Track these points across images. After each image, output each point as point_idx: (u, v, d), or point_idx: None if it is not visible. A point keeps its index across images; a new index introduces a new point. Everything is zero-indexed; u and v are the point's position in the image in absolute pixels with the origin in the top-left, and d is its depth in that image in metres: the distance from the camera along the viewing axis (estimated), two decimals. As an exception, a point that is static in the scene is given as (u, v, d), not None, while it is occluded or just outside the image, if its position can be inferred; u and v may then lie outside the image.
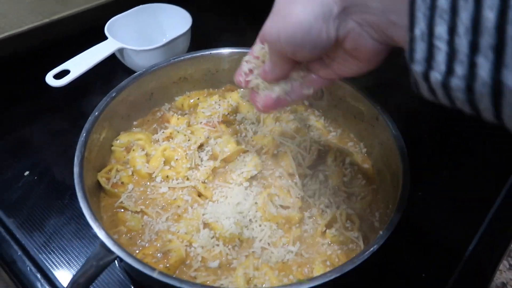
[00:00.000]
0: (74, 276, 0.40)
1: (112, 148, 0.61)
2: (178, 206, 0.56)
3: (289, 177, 0.60)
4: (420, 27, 0.25)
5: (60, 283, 0.53)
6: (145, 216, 0.55)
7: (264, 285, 0.48)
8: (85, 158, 0.52)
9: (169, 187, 0.58)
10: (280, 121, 0.67)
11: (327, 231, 0.55)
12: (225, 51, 0.69)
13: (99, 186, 0.57)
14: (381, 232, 0.46)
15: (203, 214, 0.55)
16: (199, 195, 0.58)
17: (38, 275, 0.53)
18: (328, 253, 0.53)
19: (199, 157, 0.61)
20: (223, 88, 0.73)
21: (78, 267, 0.55)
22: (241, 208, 0.55)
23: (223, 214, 0.54)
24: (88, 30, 0.80)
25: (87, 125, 0.55)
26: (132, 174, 0.59)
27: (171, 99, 0.70)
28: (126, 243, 0.53)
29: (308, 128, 0.67)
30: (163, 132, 0.64)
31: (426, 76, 0.27)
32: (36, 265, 0.54)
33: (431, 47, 0.25)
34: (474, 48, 0.23)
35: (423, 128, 0.73)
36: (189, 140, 0.61)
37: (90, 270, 0.42)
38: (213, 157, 0.61)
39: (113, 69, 0.81)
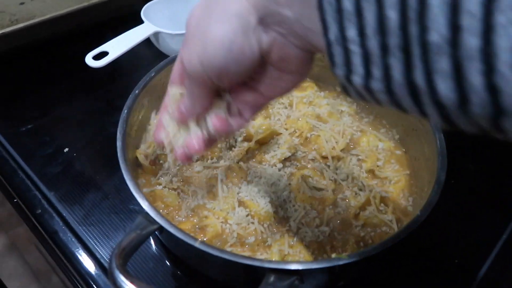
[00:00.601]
0: (120, 242, 0.42)
1: (149, 127, 0.63)
2: (213, 185, 0.58)
3: (322, 160, 0.60)
4: (333, 31, 0.25)
5: (99, 253, 0.55)
6: (182, 193, 0.57)
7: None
8: (127, 133, 0.54)
9: (204, 166, 0.59)
10: (313, 106, 0.67)
11: (361, 213, 0.55)
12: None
13: (137, 163, 0.59)
14: (418, 213, 0.46)
15: (238, 193, 0.56)
16: (234, 175, 0.59)
17: (79, 246, 0.55)
18: (362, 234, 0.53)
19: (234, 138, 0.62)
20: (255, 73, 0.74)
21: (116, 239, 0.57)
22: (275, 188, 0.56)
23: (258, 193, 0.55)
24: (125, 15, 0.82)
25: (128, 102, 0.56)
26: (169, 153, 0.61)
27: (205, 83, 0.72)
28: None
29: (340, 113, 0.68)
30: (197, 113, 0.65)
31: (349, 80, 0.26)
32: (77, 236, 0.56)
33: (346, 50, 0.25)
34: (384, 49, 0.23)
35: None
36: (224, 121, 0.63)
37: (135, 238, 0.43)
38: (247, 139, 0.62)
39: (147, 55, 0.82)
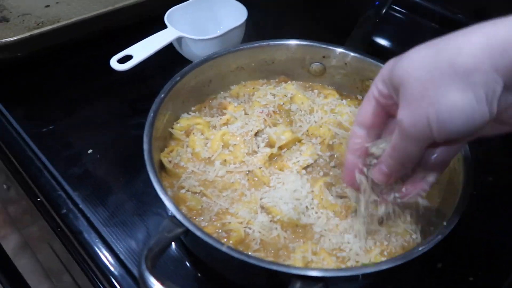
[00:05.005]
0: (148, 244, 0.43)
1: (172, 130, 0.64)
2: (236, 189, 0.58)
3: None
4: None
5: (122, 254, 0.55)
6: (204, 197, 0.57)
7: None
8: (153, 136, 0.55)
9: (227, 171, 0.60)
10: (335, 113, 0.68)
11: (384, 221, 0.55)
12: (283, 42, 0.70)
13: (160, 166, 0.60)
14: (444, 223, 0.46)
15: (261, 198, 0.56)
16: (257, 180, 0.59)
17: (103, 246, 0.56)
18: (385, 243, 0.53)
19: (256, 143, 0.63)
20: (277, 79, 0.75)
21: (138, 241, 0.57)
22: (298, 195, 0.56)
23: (281, 199, 0.55)
24: (147, 19, 0.83)
25: (154, 106, 0.57)
26: (192, 157, 0.62)
27: (227, 88, 0.72)
28: (188, 221, 0.54)
29: (362, 121, 0.68)
30: (220, 118, 0.66)
31: None
32: (101, 236, 0.57)
33: None
34: None
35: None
36: (246, 124, 0.63)
37: (163, 241, 0.44)
38: (269, 145, 0.63)
39: (169, 60, 0.83)
